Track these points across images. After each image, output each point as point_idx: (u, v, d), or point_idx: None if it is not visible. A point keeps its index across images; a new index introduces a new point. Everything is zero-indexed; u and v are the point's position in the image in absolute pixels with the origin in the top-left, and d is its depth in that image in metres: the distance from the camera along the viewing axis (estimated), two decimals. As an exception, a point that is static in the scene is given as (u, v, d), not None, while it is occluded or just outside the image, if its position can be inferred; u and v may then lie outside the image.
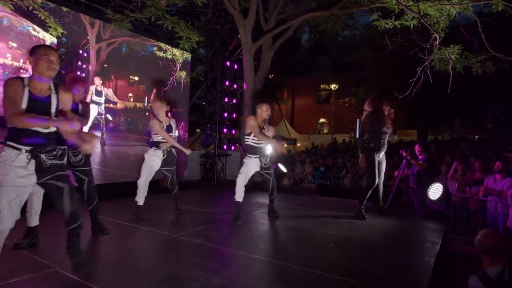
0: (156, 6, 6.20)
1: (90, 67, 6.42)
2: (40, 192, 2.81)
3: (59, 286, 2.43)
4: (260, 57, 8.87)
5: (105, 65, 6.66)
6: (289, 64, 22.98)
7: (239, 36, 8.39)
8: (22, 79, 2.34)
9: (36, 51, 2.38)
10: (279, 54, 11.00)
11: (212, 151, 9.26)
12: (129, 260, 3.01)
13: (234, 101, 9.43)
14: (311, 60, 23.76)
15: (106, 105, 6.47)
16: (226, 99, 9.18)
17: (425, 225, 4.50)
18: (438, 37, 5.83)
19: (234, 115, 9.43)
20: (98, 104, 5.98)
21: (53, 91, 2.45)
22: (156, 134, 4.35)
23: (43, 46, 2.55)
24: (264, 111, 4.44)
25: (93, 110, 5.95)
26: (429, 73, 6.10)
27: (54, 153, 2.47)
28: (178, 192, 4.71)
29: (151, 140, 4.45)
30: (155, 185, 6.98)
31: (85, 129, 5.66)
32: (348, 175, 9.58)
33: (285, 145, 5.03)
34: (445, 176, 6.60)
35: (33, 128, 2.32)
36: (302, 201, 6.08)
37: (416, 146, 6.66)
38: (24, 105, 2.28)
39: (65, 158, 2.63)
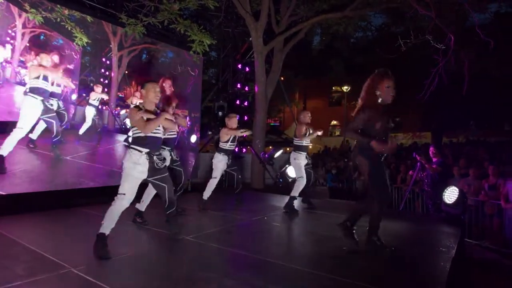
0: (169, 10, 6.29)
1: (112, 74, 6.63)
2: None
3: (73, 287, 2.46)
4: (272, 60, 8.89)
5: (126, 72, 6.83)
6: (300, 66, 22.92)
7: (250, 39, 8.43)
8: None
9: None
10: (291, 56, 10.97)
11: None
12: (142, 261, 3.03)
13: (246, 103, 9.46)
14: (323, 62, 23.63)
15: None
16: (237, 102, 9.21)
17: (440, 229, 4.41)
18: (453, 38, 5.74)
19: (246, 118, 9.46)
20: (95, 107, 6.23)
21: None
22: (225, 142, 5.23)
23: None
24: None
25: (91, 112, 6.22)
26: (443, 74, 6.01)
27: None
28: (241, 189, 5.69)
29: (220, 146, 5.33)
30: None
31: (83, 129, 6.09)
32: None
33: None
34: (457, 179, 6.47)
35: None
36: (314, 204, 6.04)
37: (431, 149, 6.55)
38: None
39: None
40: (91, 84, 6.29)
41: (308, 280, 2.68)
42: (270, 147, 12.68)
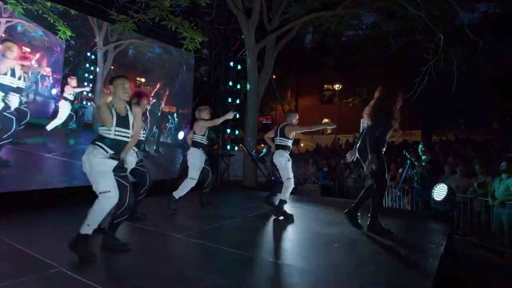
0: (160, 6, 6.23)
1: (97, 69, 6.48)
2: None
3: (63, 286, 2.44)
4: (264, 58, 8.88)
5: (112, 67, 6.71)
6: (292, 64, 22.95)
7: (242, 36, 8.40)
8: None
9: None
10: (283, 54, 10.97)
11: (216, 151, 9.28)
12: (133, 260, 3.01)
13: (238, 101, 9.44)
14: (315, 60, 23.70)
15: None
16: (229, 99, 9.19)
17: (430, 226, 4.47)
18: (442, 37, 5.81)
19: (237, 115, 9.43)
20: (71, 101, 5.93)
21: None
22: (202, 135, 4.97)
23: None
24: None
25: (66, 107, 5.86)
26: (433, 73, 6.08)
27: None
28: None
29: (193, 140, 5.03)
30: (160, 185, 7.01)
31: (57, 122, 5.70)
32: (351, 176, 9.55)
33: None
34: (448, 177, 6.57)
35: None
36: (305, 202, 6.08)
37: (420, 146, 6.63)
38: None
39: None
40: (69, 77, 5.93)
41: (301, 277, 2.70)
42: (262, 145, 12.69)
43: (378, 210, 3.85)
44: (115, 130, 2.96)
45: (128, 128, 3.05)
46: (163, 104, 7.92)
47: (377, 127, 3.71)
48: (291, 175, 4.75)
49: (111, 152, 2.95)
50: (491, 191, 5.69)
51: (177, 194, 4.85)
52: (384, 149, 3.89)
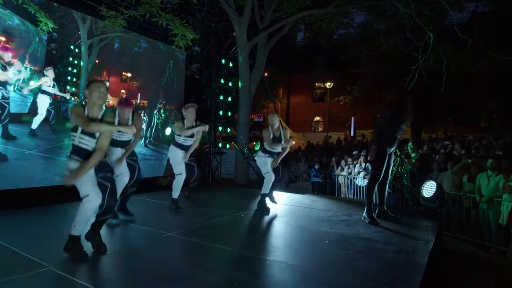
0: (151, 3, 6.17)
1: (82, 63, 6.32)
2: None
3: (53, 285, 2.41)
4: (255, 55, 8.86)
5: (97, 61, 6.58)
6: (284, 62, 22.98)
7: (234, 34, 8.37)
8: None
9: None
10: (274, 52, 10.96)
11: (207, 149, 9.25)
12: (124, 259, 2.99)
13: (229, 99, 9.41)
14: (306, 58, 23.79)
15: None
16: (221, 97, 9.16)
17: (419, 222, 4.53)
18: (432, 36, 5.88)
19: (229, 113, 9.41)
20: (49, 95, 5.66)
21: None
22: (179, 135, 4.81)
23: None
24: None
25: (45, 101, 5.62)
26: (423, 71, 6.15)
27: None
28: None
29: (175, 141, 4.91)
30: (152, 183, 6.97)
31: (36, 123, 5.51)
32: (342, 173, 9.60)
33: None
34: (436, 174, 6.65)
35: None
36: (297, 199, 6.10)
37: (410, 144, 6.71)
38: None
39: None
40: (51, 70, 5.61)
41: (291, 274, 2.71)
42: (254, 143, 12.70)
43: (369, 199, 4.39)
44: (79, 137, 2.81)
45: (93, 138, 2.85)
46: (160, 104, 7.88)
47: (381, 122, 4.22)
48: (268, 169, 4.98)
49: (78, 158, 2.81)
50: (477, 188, 5.78)
51: (174, 194, 4.89)
52: (394, 148, 4.36)
